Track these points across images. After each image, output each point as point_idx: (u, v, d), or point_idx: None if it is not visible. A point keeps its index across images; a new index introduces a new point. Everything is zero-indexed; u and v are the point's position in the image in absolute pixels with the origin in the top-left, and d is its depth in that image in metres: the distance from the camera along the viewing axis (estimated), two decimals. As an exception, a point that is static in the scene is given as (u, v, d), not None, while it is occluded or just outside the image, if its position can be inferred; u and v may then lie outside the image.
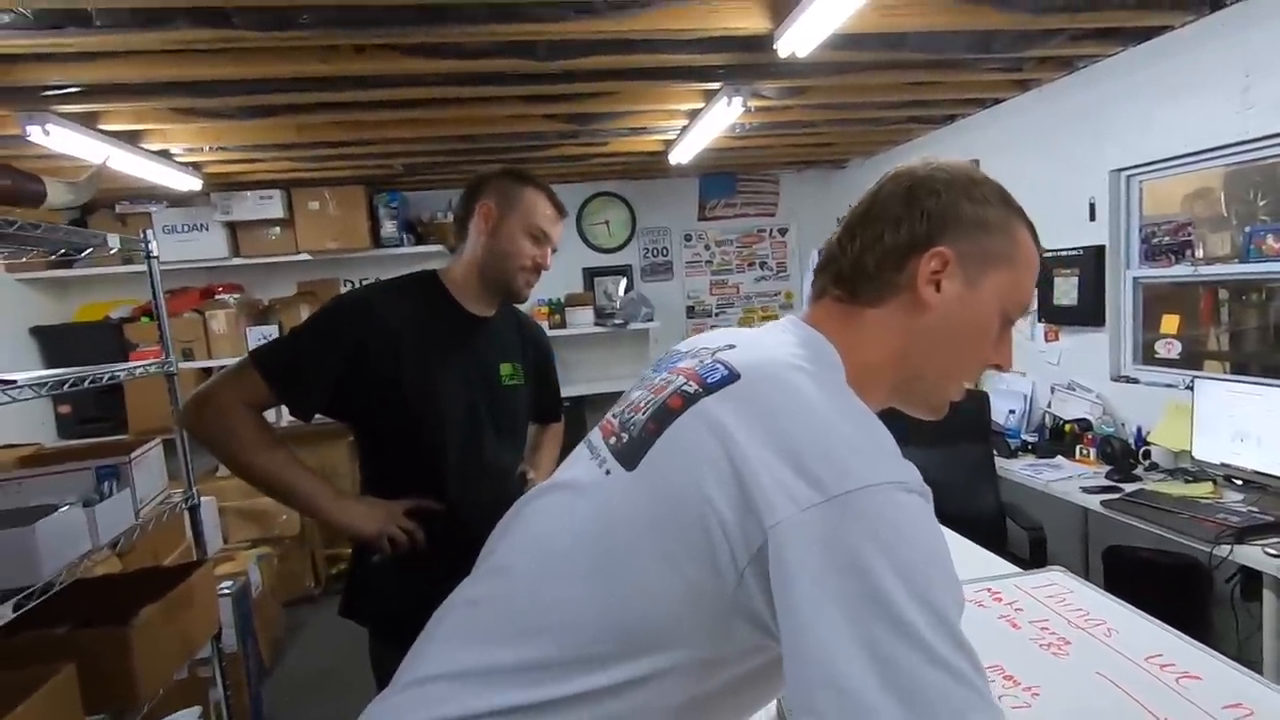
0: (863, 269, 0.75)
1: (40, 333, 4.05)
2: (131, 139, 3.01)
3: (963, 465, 2.91)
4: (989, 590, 1.33)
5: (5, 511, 1.64)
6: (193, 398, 1.35)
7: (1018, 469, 2.96)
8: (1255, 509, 2.24)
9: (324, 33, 2.10)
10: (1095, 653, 1.10)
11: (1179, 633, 1.14)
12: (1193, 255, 2.81)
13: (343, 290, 4.15)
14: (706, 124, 3.23)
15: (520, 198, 1.46)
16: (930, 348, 0.75)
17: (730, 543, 0.60)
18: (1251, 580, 2.22)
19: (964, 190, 0.74)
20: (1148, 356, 3.03)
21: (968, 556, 1.60)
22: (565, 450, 0.93)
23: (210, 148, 3.28)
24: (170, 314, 2.45)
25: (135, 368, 2.15)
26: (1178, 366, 2.87)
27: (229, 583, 2.81)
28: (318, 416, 1.40)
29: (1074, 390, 3.25)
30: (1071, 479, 2.75)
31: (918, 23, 2.36)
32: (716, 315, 5.29)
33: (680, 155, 3.87)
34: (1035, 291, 0.80)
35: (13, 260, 2.36)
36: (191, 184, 3.64)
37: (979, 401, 3.07)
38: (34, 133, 2.50)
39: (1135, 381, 3.01)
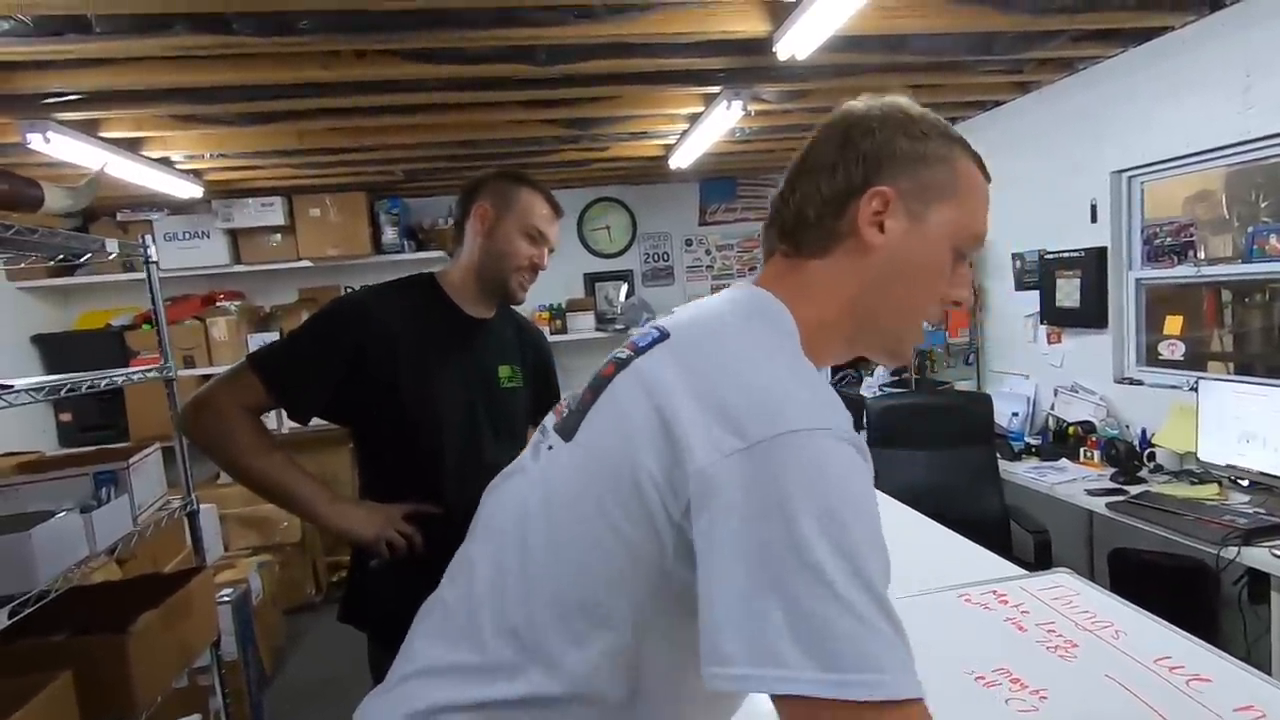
0: (804, 220, 0.73)
1: (41, 341, 4.05)
2: (132, 146, 3.01)
3: (966, 468, 2.90)
4: (995, 593, 1.31)
5: (2, 517, 1.63)
6: (191, 401, 1.35)
7: (1021, 472, 2.94)
8: (1262, 510, 2.22)
9: (324, 38, 2.10)
10: (1103, 655, 1.08)
11: (1188, 634, 1.12)
12: (1195, 256, 2.80)
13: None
14: (706, 128, 3.23)
15: (516, 198, 1.46)
16: (881, 291, 0.73)
17: (663, 499, 0.59)
18: (1259, 582, 2.21)
19: (900, 126, 0.72)
20: (1151, 358, 3.01)
21: (973, 559, 1.58)
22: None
23: (211, 155, 3.28)
24: (171, 321, 2.45)
25: (133, 373, 2.14)
26: (1181, 368, 2.86)
27: (229, 590, 2.80)
28: (317, 421, 1.39)
29: (1077, 392, 3.23)
30: (1076, 481, 2.73)
31: (918, 24, 2.36)
32: (718, 320, 5.28)
33: (680, 160, 3.87)
34: (988, 222, 0.77)
35: (12, 266, 2.36)
36: (192, 191, 3.65)
37: (982, 404, 3.06)
38: (34, 140, 2.50)
39: (1139, 383, 3.00)
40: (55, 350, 4.03)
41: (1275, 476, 2.31)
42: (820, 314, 0.72)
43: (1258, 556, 1.98)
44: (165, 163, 3.29)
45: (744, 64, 2.58)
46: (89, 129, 2.72)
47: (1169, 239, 2.89)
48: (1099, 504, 2.50)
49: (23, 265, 2.04)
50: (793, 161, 0.77)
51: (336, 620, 1.46)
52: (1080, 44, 2.73)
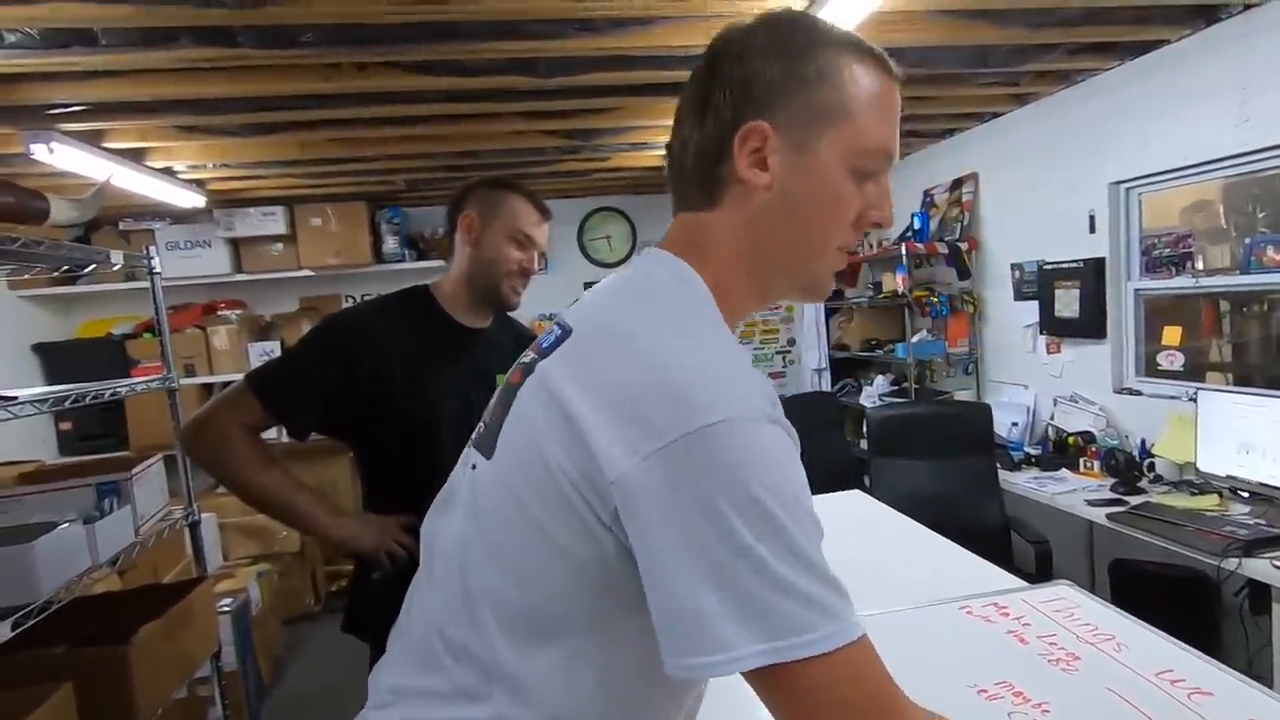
0: (688, 173, 0.69)
1: (43, 349, 4.05)
2: (136, 157, 3.03)
3: (965, 478, 2.90)
4: (995, 605, 1.32)
5: (5, 529, 1.63)
6: (191, 422, 1.36)
7: (1021, 482, 2.94)
8: (1262, 521, 2.23)
9: (326, 51, 2.12)
10: (1105, 668, 1.09)
11: (1189, 647, 1.12)
12: (1193, 267, 2.81)
13: (344, 306, 4.15)
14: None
15: (501, 204, 1.45)
16: (778, 232, 0.67)
17: (590, 505, 0.59)
18: (1260, 593, 2.20)
19: (771, 46, 0.65)
20: (1150, 368, 3.02)
21: (973, 570, 1.58)
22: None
23: (213, 165, 3.30)
24: (172, 330, 2.45)
25: (136, 383, 2.14)
26: (1180, 378, 2.86)
27: (229, 600, 2.80)
28: (316, 434, 1.40)
29: (1076, 402, 3.24)
30: (1076, 492, 2.73)
31: (914, 37, 2.37)
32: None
33: (681, 170, 3.88)
34: (895, 133, 0.68)
35: (15, 277, 2.36)
36: (195, 201, 3.66)
37: (981, 414, 3.06)
38: (39, 151, 2.51)
39: (1138, 393, 3.00)
40: (56, 359, 4.03)
41: (1275, 487, 2.32)
42: (722, 272, 0.67)
43: (1259, 568, 1.98)
44: (168, 173, 3.31)
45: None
46: (93, 140, 2.74)
47: (1167, 250, 2.91)
48: (1099, 514, 2.50)
49: (26, 276, 2.05)
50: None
51: (340, 630, 1.47)
52: (1077, 57, 2.75)
